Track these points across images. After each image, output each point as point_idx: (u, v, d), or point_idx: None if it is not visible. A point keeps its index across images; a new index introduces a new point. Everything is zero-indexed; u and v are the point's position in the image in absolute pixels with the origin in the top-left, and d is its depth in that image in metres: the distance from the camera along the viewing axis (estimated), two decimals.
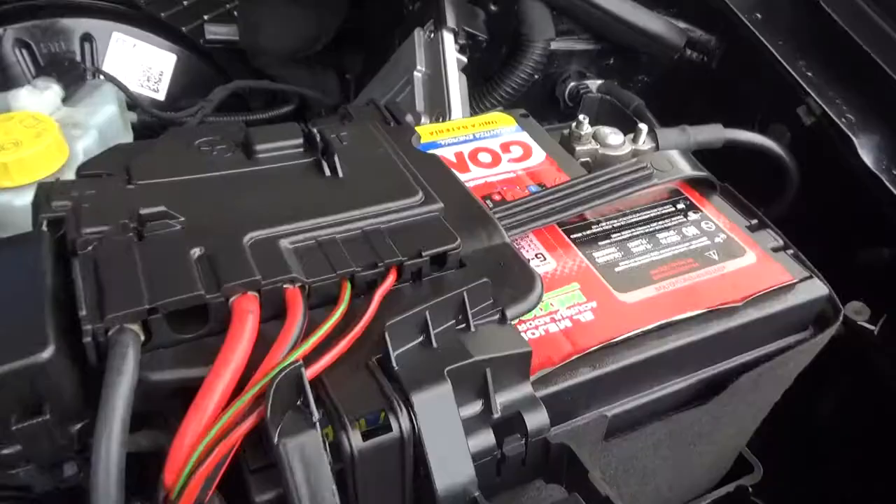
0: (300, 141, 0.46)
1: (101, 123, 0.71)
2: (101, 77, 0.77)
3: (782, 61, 0.66)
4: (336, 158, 0.43)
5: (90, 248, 0.36)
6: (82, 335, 0.32)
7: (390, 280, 0.38)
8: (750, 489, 0.60)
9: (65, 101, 0.73)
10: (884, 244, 0.63)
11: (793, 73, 0.65)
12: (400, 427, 0.32)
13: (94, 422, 0.30)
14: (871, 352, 0.62)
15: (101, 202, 0.39)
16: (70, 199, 0.39)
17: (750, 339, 0.46)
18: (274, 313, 0.35)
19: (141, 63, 0.86)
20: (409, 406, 0.33)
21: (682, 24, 0.76)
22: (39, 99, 0.70)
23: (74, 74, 0.75)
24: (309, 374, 0.32)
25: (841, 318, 0.48)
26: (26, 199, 0.62)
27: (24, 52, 0.80)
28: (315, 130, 0.45)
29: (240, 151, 0.45)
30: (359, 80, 1.02)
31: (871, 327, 0.62)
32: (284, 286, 0.35)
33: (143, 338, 0.33)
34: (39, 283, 0.34)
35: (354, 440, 0.31)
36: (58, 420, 0.32)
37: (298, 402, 0.31)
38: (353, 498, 0.33)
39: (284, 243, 0.38)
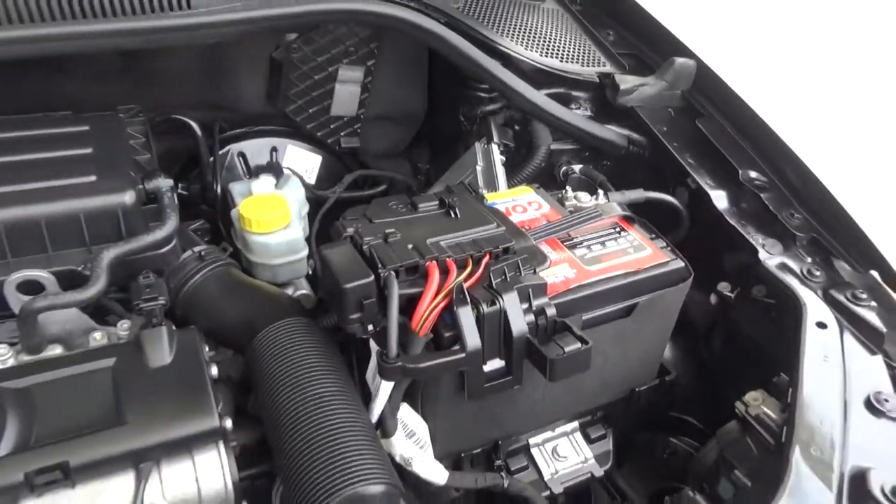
0: (436, 202, 0.99)
1: (298, 199, 1.26)
2: (289, 172, 1.32)
3: (676, 155, 1.21)
4: (456, 209, 0.97)
5: (366, 246, 0.89)
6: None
7: (487, 258, 0.90)
8: (668, 381, 1.10)
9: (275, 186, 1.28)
10: (736, 250, 1.15)
11: (682, 161, 1.20)
12: (501, 307, 0.84)
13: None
14: (731, 309, 1.14)
15: (363, 227, 0.92)
16: (351, 225, 0.92)
17: (647, 286, 0.98)
18: (443, 270, 0.88)
19: (303, 161, 1.42)
20: (502, 299, 0.85)
21: (625, 132, 1.32)
22: (268, 185, 1.24)
23: (274, 170, 1.30)
24: (467, 284, 0.84)
25: (691, 277, 1.00)
26: (271, 239, 1.15)
27: (241, 158, 1.36)
28: (444, 197, 0.99)
29: (411, 207, 0.98)
30: (429, 170, 1.57)
31: (731, 296, 1.14)
32: (446, 258, 0.88)
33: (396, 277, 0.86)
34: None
35: (484, 308, 0.83)
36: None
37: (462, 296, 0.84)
38: (483, 336, 0.84)
39: (442, 243, 0.91)
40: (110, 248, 0.88)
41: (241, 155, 1.36)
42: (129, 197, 0.92)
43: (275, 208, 1.15)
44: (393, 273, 0.84)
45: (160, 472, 0.76)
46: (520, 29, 1.38)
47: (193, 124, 1.22)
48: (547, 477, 1.04)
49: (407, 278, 0.86)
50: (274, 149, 1.40)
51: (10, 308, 0.88)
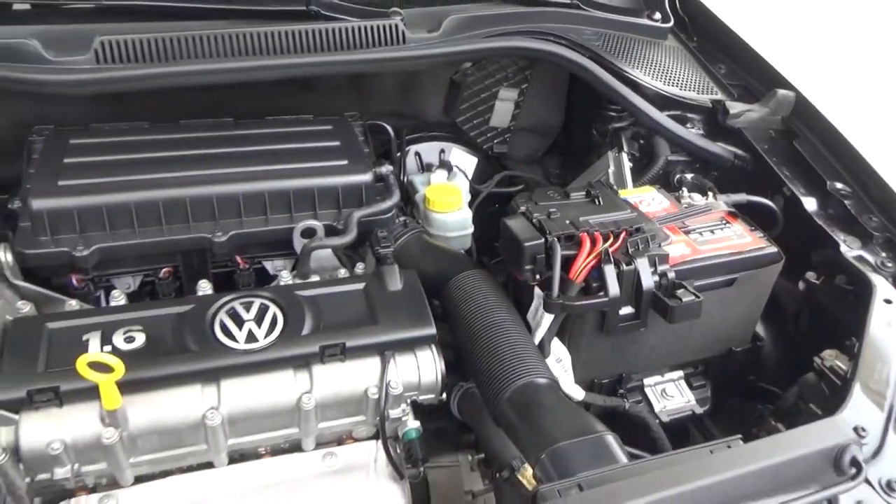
0: (584, 193, 1.32)
1: (464, 189, 1.61)
2: (457, 169, 1.68)
3: (775, 168, 1.48)
4: (599, 198, 1.29)
5: (535, 219, 1.22)
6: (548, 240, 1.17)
7: (624, 234, 1.22)
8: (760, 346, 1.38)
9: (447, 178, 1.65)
10: (822, 246, 1.41)
11: (779, 173, 1.47)
12: (635, 267, 1.16)
13: None
14: (816, 294, 1.40)
15: (532, 206, 1.26)
16: (523, 205, 1.26)
17: (746, 265, 1.27)
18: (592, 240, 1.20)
19: (464, 161, 1.78)
20: (636, 262, 1.16)
21: (731, 148, 1.60)
22: (442, 177, 1.61)
23: (446, 167, 1.67)
24: (611, 250, 1.16)
25: (783, 260, 1.27)
26: (449, 217, 1.51)
27: (417, 157, 1.74)
28: (590, 189, 1.31)
29: (565, 196, 1.31)
30: (559, 175, 1.90)
31: (816, 283, 1.40)
32: (594, 231, 1.20)
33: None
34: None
35: (623, 267, 1.15)
36: None
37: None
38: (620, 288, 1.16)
39: (591, 221, 1.23)
40: (356, 211, 1.26)
41: (418, 154, 1.74)
42: (368, 177, 1.30)
43: (452, 194, 1.52)
44: (556, 239, 1.18)
45: (395, 360, 1.13)
46: (646, 62, 1.69)
47: (389, 128, 1.61)
48: (657, 409, 1.34)
49: (565, 244, 1.19)
50: (442, 150, 1.77)
51: (288, 247, 1.28)
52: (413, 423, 1.15)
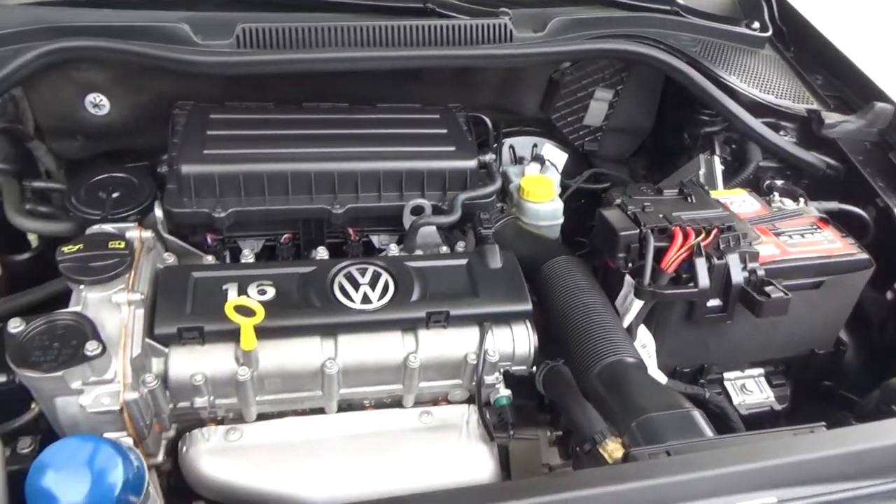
0: (677, 190, 1.38)
1: (555, 182, 1.70)
2: (549, 163, 1.76)
3: (869, 179, 1.50)
4: (692, 196, 1.35)
5: (630, 211, 1.30)
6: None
7: (716, 231, 1.28)
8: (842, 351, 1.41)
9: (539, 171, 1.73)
10: None
11: (873, 184, 1.49)
12: (726, 262, 1.22)
13: None
14: None
15: (626, 199, 1.33)
16: (618, 197, 1.34)
17: (835, 269, 1.30)
18: (684, 234, 1.26)
19: (555, 156, 1.86)
20: (727, 257, 1.22)
21: (824, 158, 1.62)
22: (535, 170, 1.70)
23: (539, 160, 1.76)
24: (703, 245, 1.23)
25: (873, 267, 1.30)
26: (541, 207, 1.59)
27: (511, 150, 1.83)
28: (683, 188, 1.37)
29: (658, 192, 1.38)
30: (644, 175, 1.95)
31: None
32: (686, 226, 1.26)
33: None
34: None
35: (714, 261, 1.22)
36: None
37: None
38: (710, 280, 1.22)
39: (683, 217, 1.29)
40: (461, 193, 1.36)
41: (512, 147, 1.83)
42: (474, 163, 1.40)
43: (545, 185, 1.60)
44: (649, 230, 1.25)
45: (492, 331, 1.22)
46: (743, 69, 1.73)
47: (487, 120, 1.70)
48: (735, 402, 1.39)
49: (658, 236, 1.26)
50: (535, 144, 1.85)
51: (395, 223, 1.39)
52: (504, 391, 1.24)
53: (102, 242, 1.11)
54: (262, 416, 1.19)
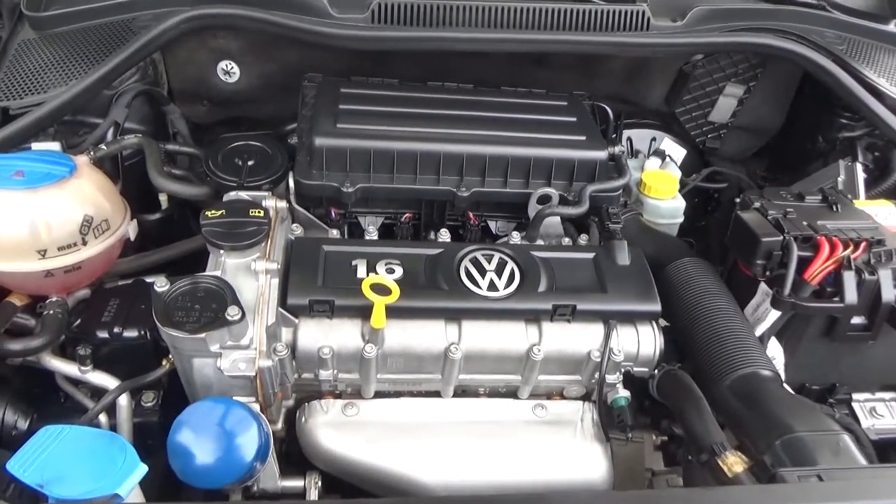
0: (819, 197, 1.30)
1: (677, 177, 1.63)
2: (669, 158, 1.70)
3: None
4: (838, 205, 1.27)
5: (771, 216, 1.23)
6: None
7: (865, 244, 1.19)
8: None
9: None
10: None
11: None
12: (877, 278, 1.14)
13: None
14: None
15: (765, 203, 1.26)
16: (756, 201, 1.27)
17: None
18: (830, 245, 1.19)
19: (673, 152, 1.79)
20: (878, 274, 1.14)
21: None
22: (655, 164, 1.64)
23: (659, 155, 1.69)
24: (853, 256, 1.15)
25: None
26: (663, 204, 1.54)
27: (629, 142, 1.77)
28: (828, 195, 1.29)
29: (798, 197, 1.30)
30: (764, 178, 1.86)
31: None
32: (833, 237, 1.19)
33: None
34: None
35: (865, 276, 1.14)
36: None
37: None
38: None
39: (828, 225, 1.22)
40: (590, 185, 1.33)
41: (629, 139, 1.77)
42: (604, 154, 1.36)
43: (669, 181, 1.54)
44: (793, 238, 1.18)
45: (617, 329, 1.19)
46: (891, 71, 1.61)
47: (609, 111, 1.65)
48: (864, 426, 1.31)
49: (802, 245, 1.19)
50: (653, 138, 1.79)
51: (516, 210, 1.37)
52: (623, 392, 1.21)
53: (244, 209, 1.13)
54: (378, 394, 1.20)
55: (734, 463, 1.07)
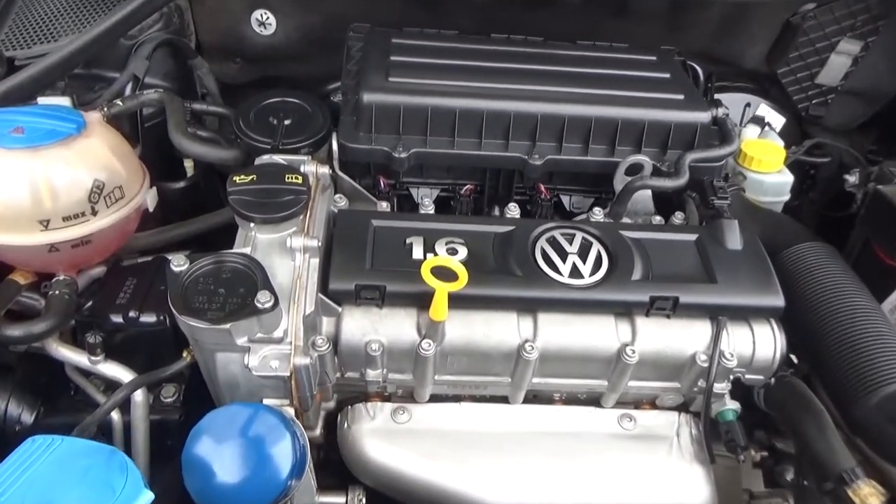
0: None
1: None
2: (769, 127, 1.46)
3: None
4: None
5: None
6: None
7: None
8: None
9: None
10: None
11: None
12: None
13: None
14: None
15: None
16: None
17: None
18: None
19: (772, 121, 1.55)
20: None
21: None
22: (754, 133, 1.41)
23: (758, 122, 1.45)
24: None
25: None
26: (766, 178, 1.31)
27: (719, 110, 1.54)
28: None
29: None
30: (872, 151, 1.60)
31: None
32: None
33: None
34: None
35: None
36: None
37: None
38: None
39: None
40: (689, 153, 1.10)
41: (718, 103, 1.53)
42: (707, 117, 1.13)
43: (774, 153, 1.31)
44: None
45: (729, 328, 0.97)
46: None
47: (699, 70, 1.42)
48: None
49: None
50: (748, 104, 1.55)
51: (597, 182, 1.16)
52: (732, 403, 1.00)
53: (279, 175, 0.94)
54: (433, 398, 1.01)
55: (869, 495, 0.88)
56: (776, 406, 1.09)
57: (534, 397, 1.03)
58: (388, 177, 1.14)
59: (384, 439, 0.97)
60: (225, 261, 0.87)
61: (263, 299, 0.82)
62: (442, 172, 1.17)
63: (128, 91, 1.18)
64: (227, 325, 0.81)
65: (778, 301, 0.96)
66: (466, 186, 1.18)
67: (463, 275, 0.83)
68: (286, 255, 0.91)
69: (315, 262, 0.91)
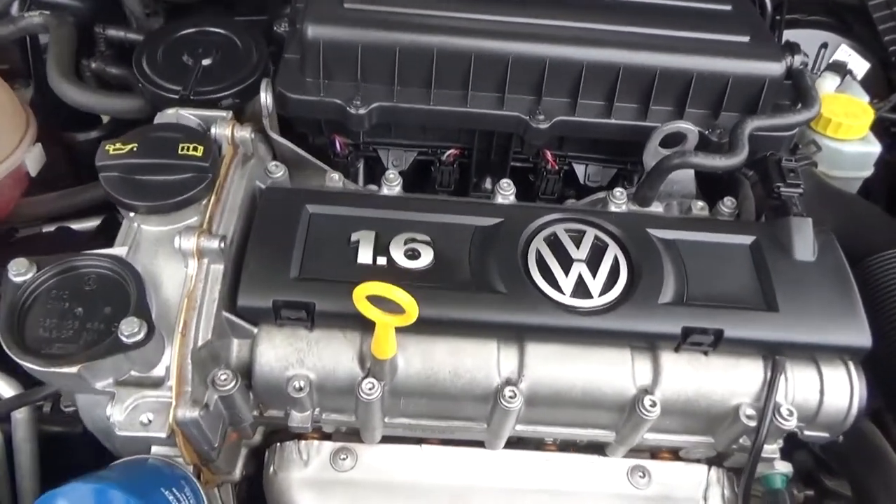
0: None
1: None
2: (852, 77, 1.14)
3: None
4: None
5: None
6: None
7: None
8: None
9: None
10: None
11: None
12: None
13: None
14: None
15: None
16: None
17: None
18: None
19: (855, 65, 1.22)
20: None
21: None
22: (831, 83, 1.09)
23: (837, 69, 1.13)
24: None
25: None
26: (846, 147, 1.01)
27: (795, 58, 1.21)
28: None
29: None
30: None
31: None
32: None
33: None
34: None
35: None
36: None
37: None
38: None
39: None
40: (751, 119, 0.80)
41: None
42: (778, 68, 0.83)
43: (860, 114, 1.00)
44: None
45: (790, 371, 0.71)
46: None
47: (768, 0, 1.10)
48: None
49: None
50: (824, 44, 1.22)
51: (622, 152, 0.88)
52: (782, 466, 0.75)
53: (169, 144, 0.68)
54: (387, 438, 0.77)
55: None
56: (837, 457, 0.85)
57: (518, 440, 0.79)
58: (349, 136, 0.87)
59: (320, 493, 0.75)
60: (86, 266, 0.63)
61: (129, 330, 0.58)
62: (416, 133, 0.90)
63: (14, 10, 0.91)
64: (75, 369, 0.57)
65: (863, 339, 0.69)
66: (450, 152, 0.91)
67: (412, 311, 0.58)
68: (178, 258, 0.65)
69: (217, 268, 0.66)
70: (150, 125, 0.71)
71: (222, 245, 0.64)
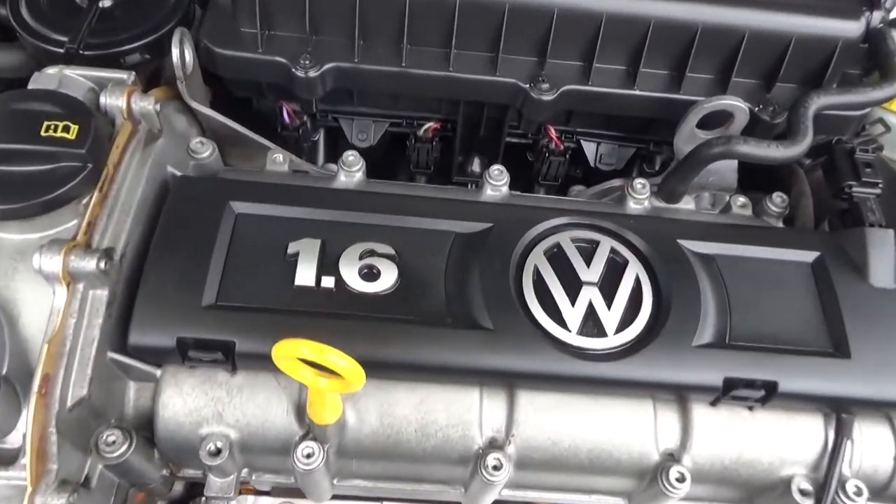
0: None
1: None
2: None
3: None
4: None
5: None
6: None
7: None
8: None
9: None
10: None
11: None
12: None
13: None
14: None
15: None
16: None
17: None
18: None
19: None
20: None
21: None
22: None
23: None
24: None
25: None
26: None
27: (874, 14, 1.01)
28: None
29: None
30: None
31: None
32: None
33: None
34: None
35: None
36: None
37: None
38: None
39: None
40: (817, 95, 0.62)
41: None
42: (856, 28, 0.64)
43: None
44: None
45: (859, 430, 0.55)
46: None
47: None
48: None
49: None
50: None
51: (636, 131, 0.69)
52: None
53: (30, 121, 0.49)
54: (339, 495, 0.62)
55: None
56: None
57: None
58: (300, 103, 0.69)
59: None
60: None
61: None
62: (386, 101, 0.71)
63: None
64: None
65: None
66: (428, 125, 0.72)
67: (356, 379, 0.40)
68: (41, 282, 0.48)
69: (99, 294, 0.48)
70: (6, 93, 0.52)
71: (105, 264, 0.47)
